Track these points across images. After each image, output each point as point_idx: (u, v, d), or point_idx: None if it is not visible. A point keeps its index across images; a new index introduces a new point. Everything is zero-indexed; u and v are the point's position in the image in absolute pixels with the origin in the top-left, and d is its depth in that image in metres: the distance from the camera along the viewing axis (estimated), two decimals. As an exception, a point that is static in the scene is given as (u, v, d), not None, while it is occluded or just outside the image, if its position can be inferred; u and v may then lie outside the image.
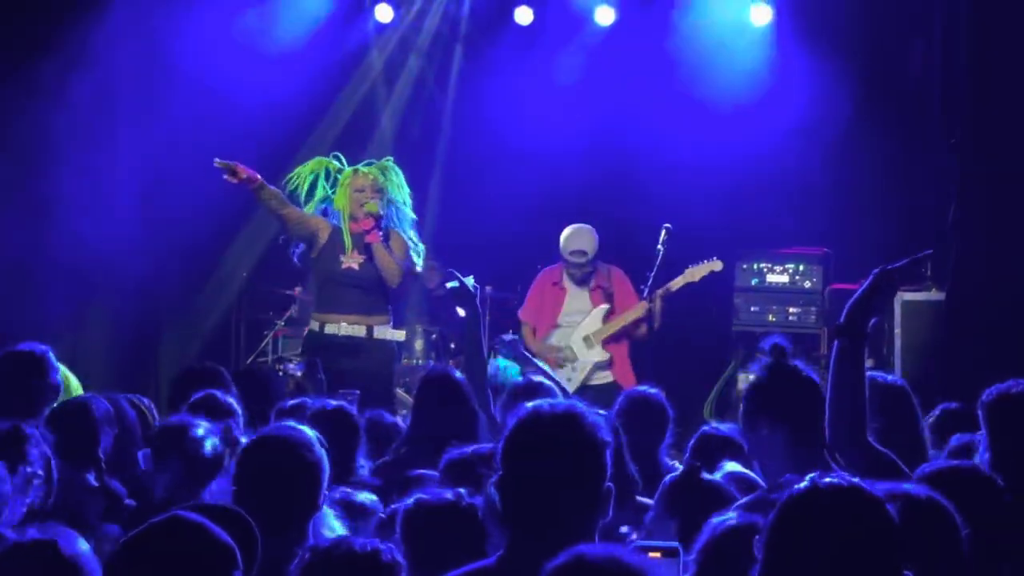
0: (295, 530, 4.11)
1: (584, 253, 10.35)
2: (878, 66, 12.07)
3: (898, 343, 10.26)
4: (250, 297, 12.77)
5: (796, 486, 3.10)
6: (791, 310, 11.77)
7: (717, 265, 10.71)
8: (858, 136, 12.03)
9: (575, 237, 10.41)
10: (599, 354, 10.40)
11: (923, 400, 8.00)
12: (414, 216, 9.39)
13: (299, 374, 11.13)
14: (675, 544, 3.23)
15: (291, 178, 9.23)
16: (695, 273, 10.57)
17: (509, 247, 12.41)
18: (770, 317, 11.77)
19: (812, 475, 3.11)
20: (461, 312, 6.60)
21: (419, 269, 9.38)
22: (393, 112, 13.34)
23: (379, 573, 3.48)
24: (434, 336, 12.26)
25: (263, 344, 12.07)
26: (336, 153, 9.43)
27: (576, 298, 10.51)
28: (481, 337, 6.43)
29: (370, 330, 9.14)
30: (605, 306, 10.37)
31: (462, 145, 12.99)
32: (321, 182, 9.19)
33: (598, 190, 12.39)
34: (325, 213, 9.23)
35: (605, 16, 12.69)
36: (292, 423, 4.54)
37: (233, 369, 9.94)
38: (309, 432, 4.39)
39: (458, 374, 6.69)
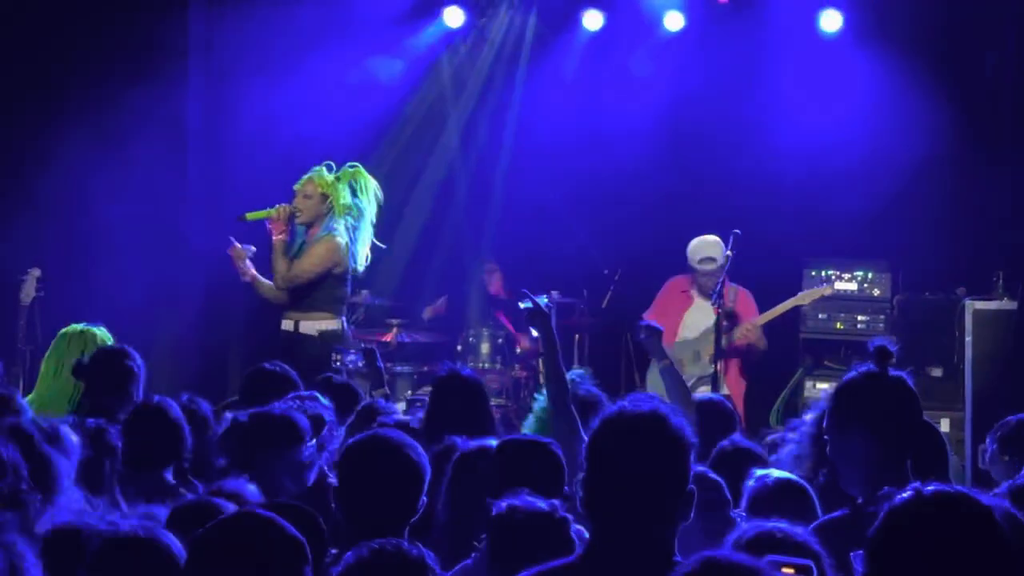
0: (394, 532, 4.11)
1: (713, 260, 10.33)
2: (950, 77, 11.94)
3: (969, 352, 10.17)
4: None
5: (899, 496, 3.04)
6: (859, 318, 11.68)
7: (827, 291, 10.95)
8: (929, 146, 11.91)
9: (703, 246, 10.44)
10: (705, 368, 10.38)
11: (994, 410, 7.98)
12: (368, 228, 9.68)
13: (359, 364, 11.17)
14: (808, 562, 3.19)
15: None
16: (805, 298, 10.82)
17: (576, 252, 12.41)
18: (838, 325, 11.70)
19: (915, 484, 3.06)
20: (535, 332, 6.48)
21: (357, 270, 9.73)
22: (460, 116, 13.36)
23: (407, 571, 3.50)
24: (500, 340, 12.26)
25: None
26: (329, 162, 9.61)
27: (699, 310, 10.51)
28: (560, 361, 6.09)
29: (296, 324, 9.53)
30: (723, 323, 10.37)
31: (529, 149, 12.98)
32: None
33: (667, 197, 12.35)
34: None
35: (674, 22, 12.64)
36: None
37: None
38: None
39: (473, 375, 6.65)
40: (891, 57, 11.91)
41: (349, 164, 9.71)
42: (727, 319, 10.34)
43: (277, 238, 9.47)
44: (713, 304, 9.96)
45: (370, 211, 9.70)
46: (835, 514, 4.37)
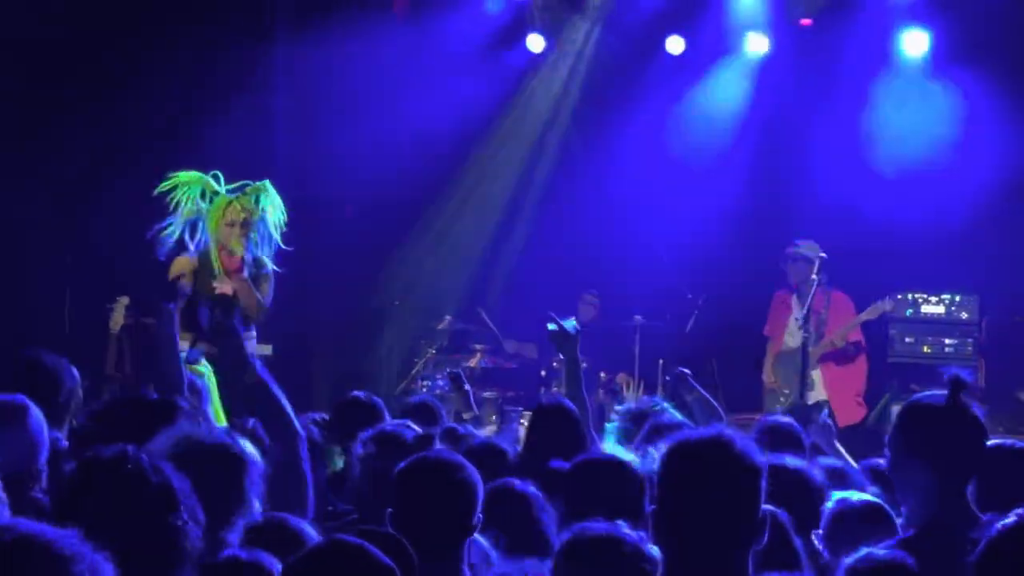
0: (450, 554, 4.14)
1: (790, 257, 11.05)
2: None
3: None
4: (401, 325, 12.91)
5: (1002, 522, 3.01)
6: (947, 341, 11.57)
7: (888, 306, 11.19)
8: (1015, 167, 11.79)
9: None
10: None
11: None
12: (278, 240, 9.34)
13: (445, 389, 11.25)
14: None
15: (167, 184, 9.15)
16: (870, 313, 11.20)
17: (660, 276, 12.39)
18: (925, 348, 11.60)
19: (1019, 510, 3.03)
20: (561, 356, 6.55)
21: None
22: (545, 141, 13.40)
23: None
24: (584, 365, 12.24)
25: (414, 371, 12.19)
26: (215, 172, 9.45)
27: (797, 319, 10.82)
28: (581, 380, 6.38)
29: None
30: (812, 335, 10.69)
31: (613, 174, 12.99)
32: (195, 198, 9.17)
33: (751, 217, 12.30)
34: (194, 227, 9.23)
35: (758, 44, 12.61)
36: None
37: (386, 395, 10.07)
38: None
39: (570, 404, 6.63)
40: (975, 78, 11.81)
41: (261, 183, 9.36)
42: (818, 326, 10.75)
43: (245, 277, 9.17)
44: (799, 328, 10.02)
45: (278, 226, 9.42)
46: (890, 542, 4.31)
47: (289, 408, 5.11)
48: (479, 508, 4.29)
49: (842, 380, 10.98)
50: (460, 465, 4.34)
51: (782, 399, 11.04)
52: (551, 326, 6.50)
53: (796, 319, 10.45)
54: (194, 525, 3.36)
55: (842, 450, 6.78)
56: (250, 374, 5.11)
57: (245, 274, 9.16)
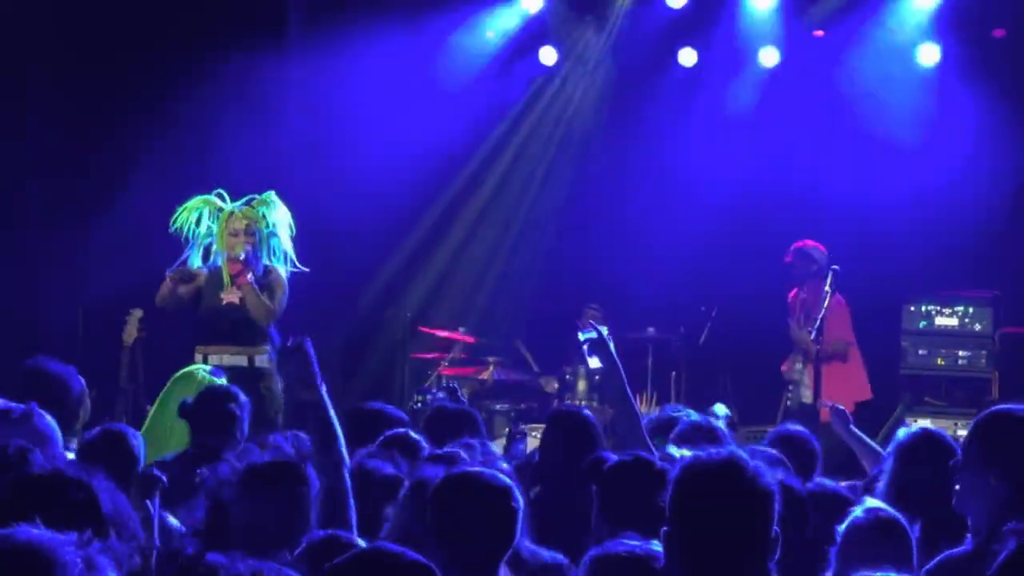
0: (487, 571, 4.11)
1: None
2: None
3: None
4: (414, 337, 12.90)
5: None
6: (960, 353, 11.52)
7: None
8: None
9: None
10: (801, 372, 10.90)
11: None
12: (289, 251, 9.48)
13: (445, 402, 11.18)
14: None
15: (176, 217, 9.42)
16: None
17: (672, 288, 12.38)
18: (939, 360, 11.55)
19: None
20: (593, 363, 6.49)
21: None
22: (557, 153, 13.41)
23: None
24: (597, 377, 12.24)
25: (428, 383, 12.18)
26: (219, 190, 9.52)
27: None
28: (626, 385, 6.25)
29: (251, 360, 9.33)
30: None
31: (625, 186, 12.98)
32: (204, 221, 9.41)
33: (764, 231, 12.28)
34: (208, 250, 9.48)
35: (769, 57, 12.61)
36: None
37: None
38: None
39: (587, 412, 6.58)
40: (989, 90, 11.80)
41: (265, 195, 9.53)
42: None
43: (249, 280, 9.29)
44: (812, 340, 10.03)
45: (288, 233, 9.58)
46: (957, 551, 4.30)
47: (340, 434, 5.10)
48: (519, 524, 4.26)
49: (827, 380, 10.99)
50: (502, 486, 4.30)
51: (789, 401, 11.04)
52: (588, 335, 6.42)
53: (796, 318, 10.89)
54: (118, 537, 3.52)
55: (861, 434, 6.80)
56: (312, 392, 5.15)
57: (249, 278, 9.24)
